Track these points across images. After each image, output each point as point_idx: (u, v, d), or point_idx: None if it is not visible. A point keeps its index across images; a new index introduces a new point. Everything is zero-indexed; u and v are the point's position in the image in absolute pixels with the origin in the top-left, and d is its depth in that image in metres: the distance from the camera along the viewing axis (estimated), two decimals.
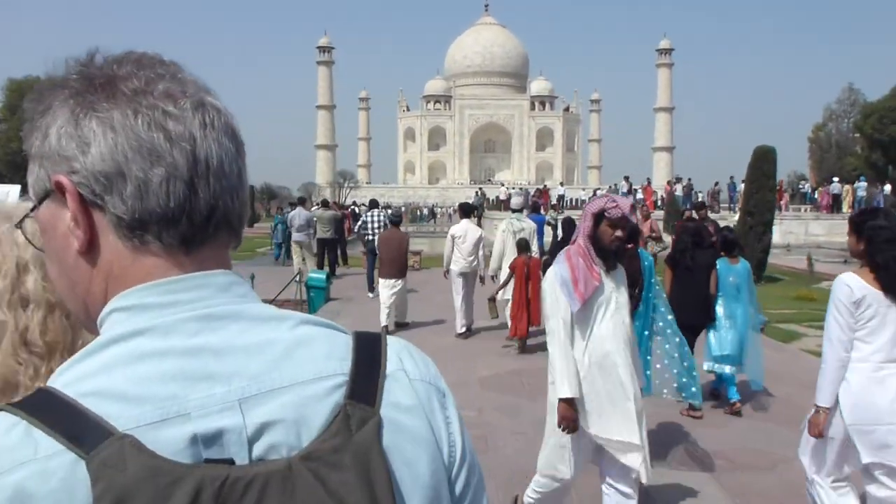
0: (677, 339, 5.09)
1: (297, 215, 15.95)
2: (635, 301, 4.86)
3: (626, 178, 35.36)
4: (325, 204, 17.70)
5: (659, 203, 33.77)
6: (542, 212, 18.86)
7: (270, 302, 13.59)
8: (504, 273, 9.44)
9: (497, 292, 9.46)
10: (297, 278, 13.83)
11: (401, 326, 10.76)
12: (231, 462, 0.64)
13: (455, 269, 10.00)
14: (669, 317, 5.12)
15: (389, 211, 13.71)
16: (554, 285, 3.56)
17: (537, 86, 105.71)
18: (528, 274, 8.85)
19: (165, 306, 0.70)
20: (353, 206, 53.17)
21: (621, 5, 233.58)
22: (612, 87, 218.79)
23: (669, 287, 6.59)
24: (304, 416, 0.68)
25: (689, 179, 32.88)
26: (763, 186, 16.26)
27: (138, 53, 0.76)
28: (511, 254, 9.36)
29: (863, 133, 55.73)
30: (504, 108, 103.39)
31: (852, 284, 3.34)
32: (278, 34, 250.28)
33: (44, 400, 0.65)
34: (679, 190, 30.11)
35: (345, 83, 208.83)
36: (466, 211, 10.75)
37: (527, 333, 8.97)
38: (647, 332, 5.03)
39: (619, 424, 3.51)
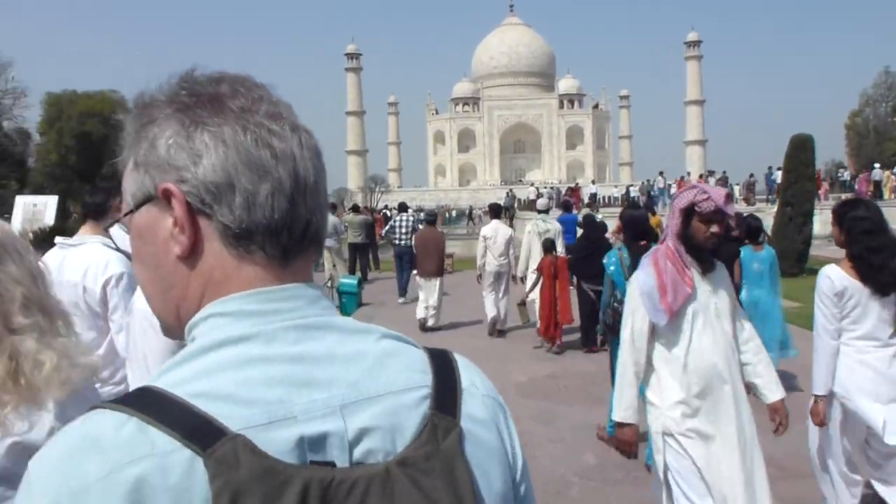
0: None
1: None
2: None
3: (661, 174, 34.82)
4: (355, 209, 17.61)
5: None
6: (574, 210, 18.56)
7: None
8: (532, 274, 9.46)
9: (526, 295, 9.54)
10: (329, 284, 13.72)
11: (432, 330, 10.56)
12: (333, 465, 0.68)
13: (488, 269, 10.09)
14: None
15: (421, 213, 13.53)
16: (633, 295, 3.19)
17: (565, 84, 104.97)
18: (555, 273, 8.82)
19: (266, 314, 0.74)
20: (385, 210, 53.35)
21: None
22: (640, 82, 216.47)
23: None
24: (398, 424, 0.72)
25: (724, 172, 32.20)
26: (801, 176, 15.80)
27: (233, 74, 0.80)
28: (538, 255, 9.37)
29: None
30: (532, 108, 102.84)
31: (833, 276, 3.50)
32: (305, 41, 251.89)
33: (153, 398, 0.67)
34: (713, 183, 29.49)
35: (373, 88, 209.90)
36: (496, 211, 11.02)
37: (556, 333, 8.86)
38: None
39: (726, 454, 3.03)
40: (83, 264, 3.27)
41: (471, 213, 55.79)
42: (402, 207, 14.59)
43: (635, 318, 3.17)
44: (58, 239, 3.61)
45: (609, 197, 62.04)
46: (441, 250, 10.82)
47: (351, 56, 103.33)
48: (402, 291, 13.56)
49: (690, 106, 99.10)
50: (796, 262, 15.55)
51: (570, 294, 8.91)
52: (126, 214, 0.80)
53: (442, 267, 10.80)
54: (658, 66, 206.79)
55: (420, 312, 10.53)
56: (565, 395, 7.04)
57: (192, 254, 0.75)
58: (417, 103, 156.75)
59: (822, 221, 25.31)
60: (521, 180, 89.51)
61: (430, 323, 10.57)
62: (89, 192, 3.62)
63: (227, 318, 0.73)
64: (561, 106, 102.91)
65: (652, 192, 34.72)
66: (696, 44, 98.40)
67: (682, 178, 36.19)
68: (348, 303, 13.04)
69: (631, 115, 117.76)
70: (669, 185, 33.70)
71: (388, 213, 46.33)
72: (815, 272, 15.57)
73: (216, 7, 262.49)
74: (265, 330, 0.72)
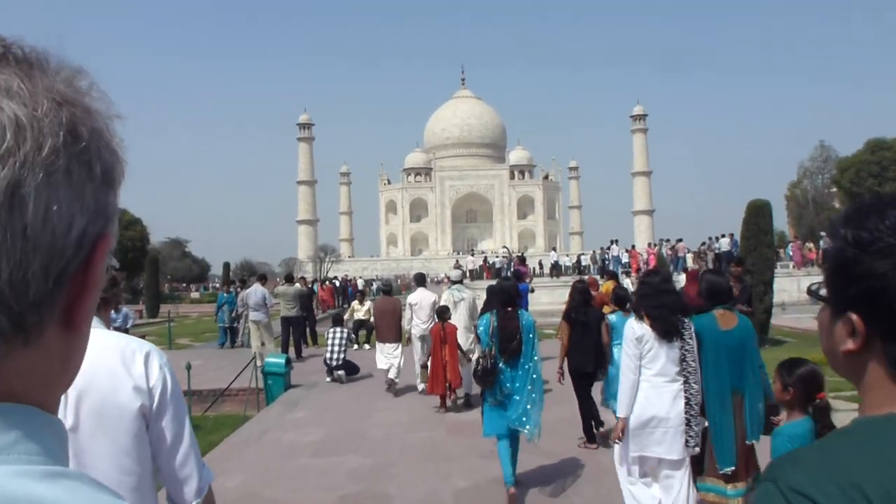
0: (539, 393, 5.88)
1: (253, 293, 14.42)
2: (514, 352, 5.80)
3: (615, 242, 34.42)
4: (289, 279, 16.21)
5: (643, 266, 32.68)
6: (527, 280, 17.68)
7: (223, 392, 12.10)
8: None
9: (426, 359, 10.03)
10: (255, 363, 12.25)
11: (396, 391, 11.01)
12: None
13: (415, 333, 10.78)
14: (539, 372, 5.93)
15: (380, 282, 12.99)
16: None
17: (516, 155, 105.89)
18: (443, 338, 9.29)
19: None
20: (335, 280, 51.76)
21: (594, 74, 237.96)
22: (589, 153, 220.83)
23: (567, 339, 7.46)
24: None
25: (681, 240, 31.85)
26: (760, 242, 15.01)
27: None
28: (460, 319, 9.92)
29: (840, 187, 55.46)
30: (484, 179, 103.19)
31: (634, 326, 4.57)
32: (258, 110, 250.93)
33: None
34: (666, 250, 29.07)
35: (325, 158, 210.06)
36: (421, 280, 11.70)
37: (444, 392, 9.39)
38: (528, 382, 5.77)
39: None
40: None
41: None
42: (288, 279, 14.71)
43: None
44: None
45: (561, 266, 61.58)
46: (398, 318, 11.43)
47: (303, 126, 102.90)
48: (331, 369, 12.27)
49: (637, 177, 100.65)
50: (759, 332, 14.55)
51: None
52: None
53: (399, 333, 11.33)
54: (606, 138, 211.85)
55: (392, 373, 11.06)
56: None
57: None
58: (370, 173, 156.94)
59: (779, 290, 24.56)
60: (472, 250, 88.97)
61: (395, 378, 11.06)
62: None
63: None
64: (512, 177, 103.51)
65: (606, 260, 34.16)
66: (642, 117, 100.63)
67: (633, 247, 35.78)
68: (275, 385, 11.57)
69: (580, 186, 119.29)
70: (621, 254, 33.21)
71: (337, 284, 45.02)
72: (778, 343, 14.53)
73: (169, 63, 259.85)
74: None
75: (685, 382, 4.38)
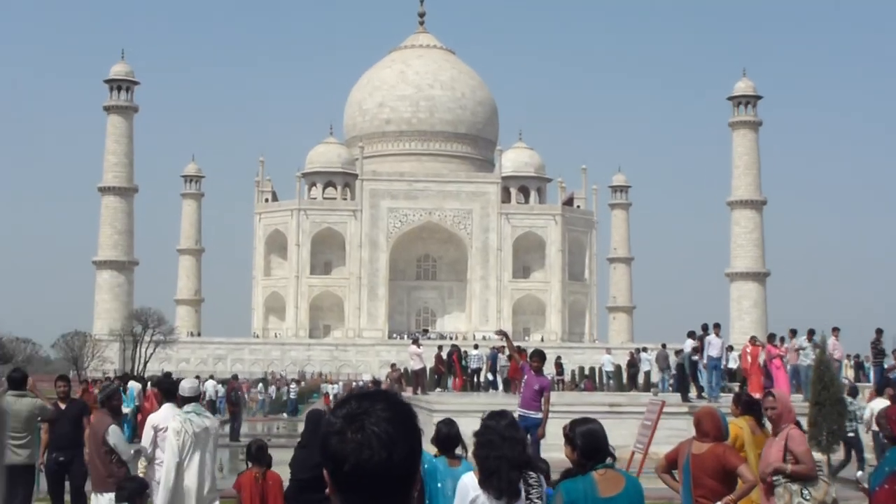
0: None
1: None
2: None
3: (715, 327, 33.06)
4: (16, 383, 14.06)
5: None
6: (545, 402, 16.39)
7: None
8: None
9: None
10: None
11: None
12: None
13: (153, 476, 12.28)
14: None
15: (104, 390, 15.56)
16: None
17: (514, 158, 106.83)
18: (263, 496, 10.31)
19: None
20: (167, 379, 49.23)
21: (655, 30, 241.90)
22: (647, 165, 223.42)
23: None
24: None
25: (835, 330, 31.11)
26: None
27: None
28: (195, 470, 11.15)
29: None
30: (454, 198, 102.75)
31: (468, 483, 6.93)
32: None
33: None
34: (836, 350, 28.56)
35: (149, 149, 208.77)
36: (169, 390, 13.46)
37: None
38: None
39: None
40: None
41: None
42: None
43: None
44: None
45: (597, 369, 60.06)
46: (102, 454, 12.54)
47: (115, 83, 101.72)
48: None
49: (738, 209, 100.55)
50: None
51: None
52: None
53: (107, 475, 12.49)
54: (675, 138, 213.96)
55: None
56: None
57: None
58: (241, 182, 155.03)
59: None
60: (426, 330, 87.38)
61: None
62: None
63: None
64: (506, 197, 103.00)
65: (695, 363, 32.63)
66: (750, 100, 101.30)
67: (754, 339, 34.45)
68: None
69: (630, 222, 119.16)
70: (730, 350, 32.13)
71: (146, 388, 42.69)
72: None
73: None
74: None
75: None
